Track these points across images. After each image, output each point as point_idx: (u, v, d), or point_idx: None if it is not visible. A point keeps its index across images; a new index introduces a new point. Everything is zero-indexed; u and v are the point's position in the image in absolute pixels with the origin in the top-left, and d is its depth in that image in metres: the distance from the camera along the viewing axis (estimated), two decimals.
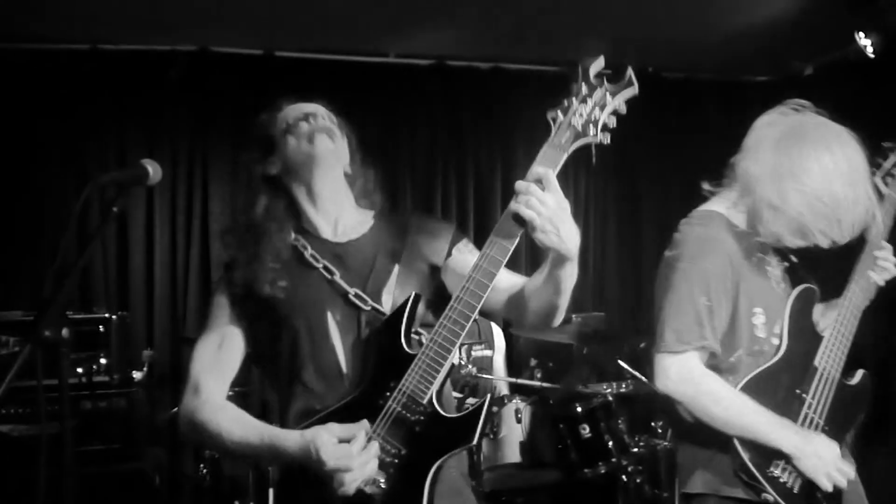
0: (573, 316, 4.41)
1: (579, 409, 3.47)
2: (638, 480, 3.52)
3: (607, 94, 1.50)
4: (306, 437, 1.48)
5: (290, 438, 1.52)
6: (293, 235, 1.69)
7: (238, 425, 1.59)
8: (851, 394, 1.98)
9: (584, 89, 1.51)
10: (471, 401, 3.30)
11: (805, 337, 1.95)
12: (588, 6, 4.09)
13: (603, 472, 3.42)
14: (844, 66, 4.48)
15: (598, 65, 1.53)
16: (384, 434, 1.51)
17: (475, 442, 1.49)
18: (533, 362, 3.70)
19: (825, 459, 1.81)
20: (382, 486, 1.50)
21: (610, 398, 3.50)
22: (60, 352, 1.52)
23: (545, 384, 3.63)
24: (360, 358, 1.60)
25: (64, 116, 4.19)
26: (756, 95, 5.05)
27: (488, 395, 1.58)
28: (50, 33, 4.14)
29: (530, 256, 4.21)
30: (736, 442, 1.81)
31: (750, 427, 1.80)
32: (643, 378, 3.57)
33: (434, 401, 1.51)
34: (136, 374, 3.62)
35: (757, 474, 1.80)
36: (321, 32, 4.36)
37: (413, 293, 1.59)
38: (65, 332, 1.54)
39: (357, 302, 1.62)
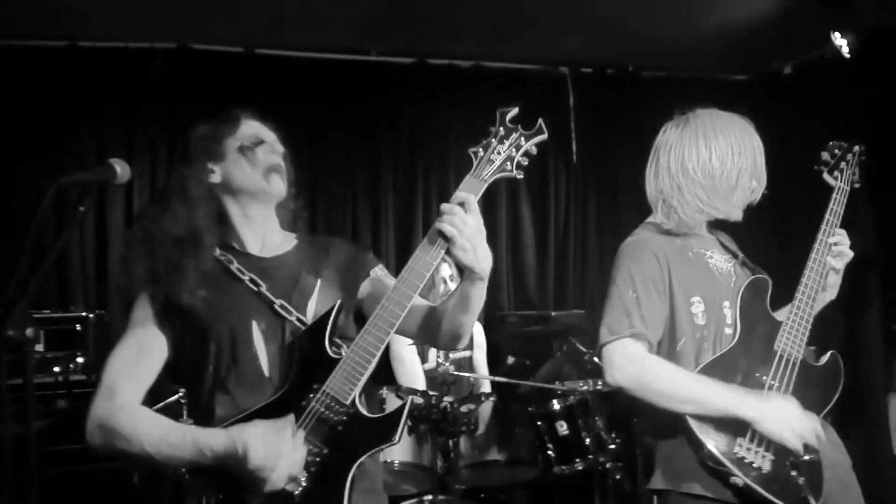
0: (552, 313, 4.46)
1: (557, 407, 3.50)
2: (617, 476, 3.56)
3: (521, 137, 1.67)
4: (232, 433, 1.49)
5: (214, 436, 1.52)
6: (217, 250, 1.72)
7: (157, 427, 1.56)
8: (819, 374, 1.99)
9: (502, 131, 1.69)
10: (448, 399, 3.31)
11: (760, 323, 1.97)
12: (568, 5, 4.11)
13: (580, 468, 3.46)
14: (823, 65, 4.52)
15: (513, 113, 1.71)
16: (307, 433, 1.54)
17: (397, 440, 1.55)
18: (510, 360, 3.72)
19: (786, 415, 1.80)
20: (304, 484, 1.53)
21: (588, 395, 3.52)
22: (25, 351, 1.52)
23: (523, 382, 3.65)
24: (284, 362, 1.64)
25: (43, 114, 4.16)
26: (735, 94, 5.09)
27: (410, 398, 1.79)
28: (29, 30, 4.12)
29: None
30: (695, 429, 1.80)
31: (699, 398, 1.80)
32: None
33: (357, 401, 1.57)
34: None
35: (722, 458, 1.78)
36: (301, 30, 4.35)
37: (337, 302, 1.67)
38: (29, 331, 1.53)
39: (282, 312, 1.67)
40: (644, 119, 5.05)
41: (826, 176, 2.19)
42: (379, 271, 1.83)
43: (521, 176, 1.66)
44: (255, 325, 1.66)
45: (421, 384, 3.63)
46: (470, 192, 1.61)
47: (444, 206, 1.57)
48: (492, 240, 4.70)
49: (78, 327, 3.35)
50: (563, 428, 3.48)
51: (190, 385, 1.70)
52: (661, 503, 1.94)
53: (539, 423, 3.50)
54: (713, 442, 1.79)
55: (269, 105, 4.51)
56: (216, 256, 1.71)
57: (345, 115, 4.63)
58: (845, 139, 2.22)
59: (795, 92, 4.81)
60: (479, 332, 4.03)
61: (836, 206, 2.12)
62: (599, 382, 3.64)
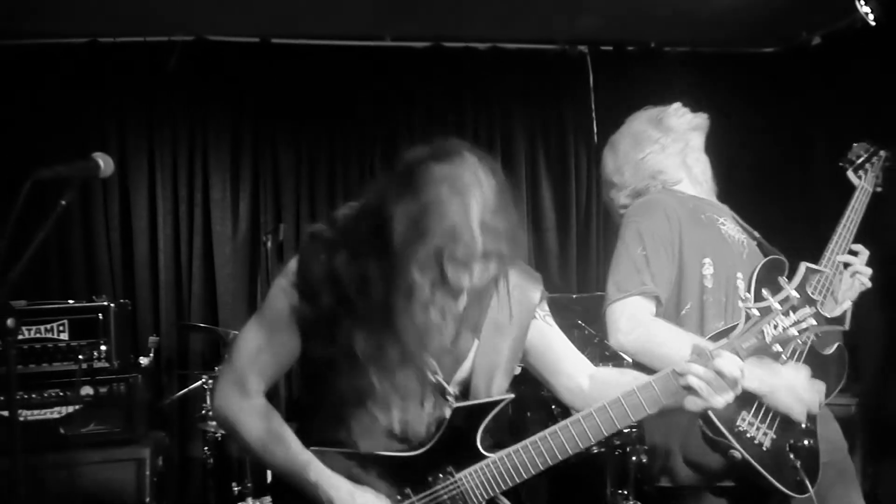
0: (573, 296, 4.41)
1: None
2: (633, 459, 3.53)
3: (812, 313, 1.44)
4: (356, 499, 1.42)
5: (337, 486, 1.44)
6: None
7: (281, 448, 1.48)
8: (824, 362, 1.97)
9: (794, 299, 1.44)
10: None
11: None
12: None
13: (595, 452, 3.44)
14: (852, 35, 4.35)
15: (821, 280, 1.65)
16: None
17: None
18: None
19: (797, 387, 1.80)
20: None
21: None
22: (5, 341, 1.59)
23: None
24: (417, 422, 1.49)
25: (65, 109, 4.27)
26: (763, 68, 4.95)
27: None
28: (50, 29, 4.22)
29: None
30: None
31: None
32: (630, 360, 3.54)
33: None
34: (143, 360, 3.72)
35: (723, 429, 1.76)
36: (315, 18, 4.36)
37: (506, 398, 1.51)
38: (10, 322, 1.60)
39: (438, 386, 1.50)
40: (668, 96, 4.96)
41: (850, 174, 2.23)
42: (542, 313, 1.61)
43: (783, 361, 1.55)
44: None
45: None
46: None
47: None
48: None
49: (100, 316, 3.44)
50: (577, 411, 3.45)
51: (315, 388, 1.57)
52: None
53: (553, 406, 3.49)
54: (715, 412, 1.75)
55: (285, 94, 4.61)
56: None
57: (361, 102, 4.64)
58: (876, 112, 2.28)
59: (825, 63, 4.64)
60: None
61: (858, 205, 2.14)
62: (611, 365, 3.61)
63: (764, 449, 1.78)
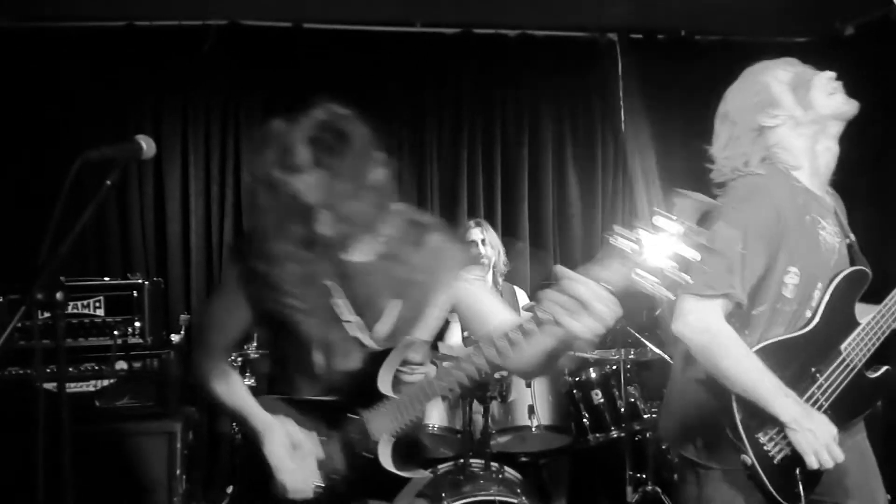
0: None
1: (593, 375, 3.53)
2: (663, 447, 3.56)
3: (678, 238, 1.30)
4: (288, 433, 1.66)
5: (270, 425, 1.68)
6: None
7: (238, 400, 1.76)
8: (868, 385, 1.92)
9: (661, 223, 1.31)
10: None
11: (839, 319, 1.89)
12: None
13: (614, 436, 3.48)
14: (887, 25, 4.30)
15: (688, 205, 1.46)
16: (335, 447, 1.65)
17: None
18: None
19: (820, 438, 1.74)
20: (320, 489, 1.64)
21: (626, 364, 3.53)
22: (55, 313, 1.66)
23: None
24: (340, 372, 1.68)
25: (103, 91, 4.37)
26: (796, 57, 4.87)
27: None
28: (87, 13, 4.32)
29: None
30: (733, 398, 1.77)
31: (754, 387, 1.75)
32: (654, 348, 3.57)
33: (381, 445, 1.62)
34: (175, 337, 3.81)
35: (743, 434, 1.77)
36: (346, 3, 4.40)
37: (406, 342, 1.67)
38: (59, 295, 1.67)
39: (350, 329, 1.68)
40: (698, 85, 4.93)
41: None
42: (469, 276, 1.72)
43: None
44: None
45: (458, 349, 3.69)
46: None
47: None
48: (536, 208, 4.77)
49: (135, 294, 3.53)
50: (598, 397, 3.50)
51: (269, 349, 1.88)
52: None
53: (574, 391, 3.53)
54: (742, 415, 1.78)
55: (316, 78, 4.64)
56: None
57: (390, 87, 4.67)
58: None
59: (858, 53, 4.58)
60: (523, 299, 4.07)
61: None
62: (637, 352, 3.64)
63: (775, 462, 1.80)
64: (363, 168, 1.60)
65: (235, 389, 1.77)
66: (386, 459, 1.63)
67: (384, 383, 1.64)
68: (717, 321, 1.78)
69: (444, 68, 4.78)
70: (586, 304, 1.29)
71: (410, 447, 1.73)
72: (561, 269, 1.36)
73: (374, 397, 1.63)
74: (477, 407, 3.26)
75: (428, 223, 1.74)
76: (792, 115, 1.92)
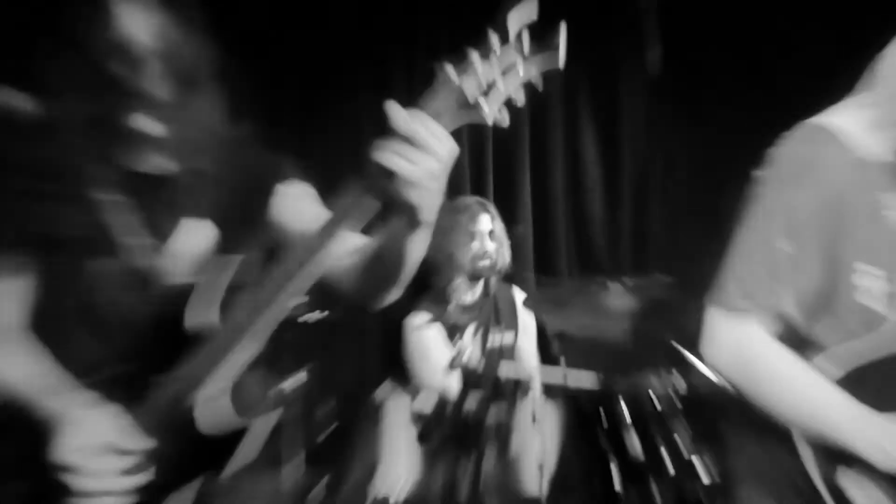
0: (624, 279, 3.52)
1: (626, 412, 2.69)
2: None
3: (520, 58, 1.18)
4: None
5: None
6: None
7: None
8: None
9: (495, 42, 1.18)
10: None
11: None
12: None
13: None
14: None
15: (524, 15, 1.15)
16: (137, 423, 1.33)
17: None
18: (556, 345, 2.73)
19: (888, 436, 1.40)
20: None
21: (671, 395, 2.72)
22: None
23: (576, 372, 2.74)
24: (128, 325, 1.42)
25: None
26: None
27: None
28: None
29: None
30: (795, 433, 1.49)
31: (815, 412, 1.44)
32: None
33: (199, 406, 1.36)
34: None
35: (819, 484, 1.45)
36: None
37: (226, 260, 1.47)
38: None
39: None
40: (742, 45, 3.96)
41: None
42: (290, 189, 1.57)
43: (504, 124, 1.24)
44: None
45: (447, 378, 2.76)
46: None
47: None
48: (543, 180, 3.98)
49: None
50: (633, 441, 2.66)
51: None
52: None
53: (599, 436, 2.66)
54: (813, 453, 1.46)
55: None
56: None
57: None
58: None
59: None
60: (523, 312, 3.10)
61: None
62: (684, 378, 2.77)
63: None
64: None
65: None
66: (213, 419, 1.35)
67: (194, 319, 1.38)
68: (755, 343, 1.52)
69: None
70: (422, 143, 1.18)
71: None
72: (392, 105, 1.18)
73: (184, 344, 1.34)
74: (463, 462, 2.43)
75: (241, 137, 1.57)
76: None
